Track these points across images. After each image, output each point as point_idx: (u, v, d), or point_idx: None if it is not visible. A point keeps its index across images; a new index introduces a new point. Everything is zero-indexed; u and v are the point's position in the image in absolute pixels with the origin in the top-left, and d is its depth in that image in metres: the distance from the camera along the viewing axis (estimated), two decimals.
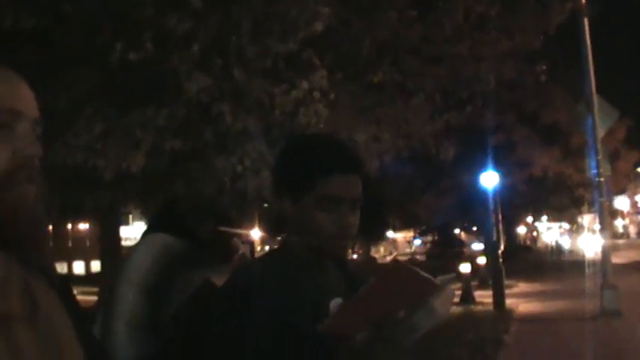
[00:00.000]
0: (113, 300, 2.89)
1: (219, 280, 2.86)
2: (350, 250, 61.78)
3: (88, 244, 57.16)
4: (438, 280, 2.05)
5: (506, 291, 22.80)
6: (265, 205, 17.81)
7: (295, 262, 2.29)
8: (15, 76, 1.44)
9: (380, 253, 72.75)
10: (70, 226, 58.39)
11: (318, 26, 8.95)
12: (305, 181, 2.23)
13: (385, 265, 2.05)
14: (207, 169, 3.23)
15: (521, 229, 56.18)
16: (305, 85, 9.29)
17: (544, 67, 14.31)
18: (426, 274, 2.02)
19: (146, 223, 3.30)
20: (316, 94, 9.37)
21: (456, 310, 20.21)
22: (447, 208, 31.39)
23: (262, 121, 9.78)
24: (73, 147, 9.72)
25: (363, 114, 10.90)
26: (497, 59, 12.27)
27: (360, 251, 53.94)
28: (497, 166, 23.39)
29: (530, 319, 19.07)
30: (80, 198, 13.38)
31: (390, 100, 11.27)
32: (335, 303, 2.26)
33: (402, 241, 76.15)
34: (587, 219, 49.45)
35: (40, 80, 9.76)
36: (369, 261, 46.95)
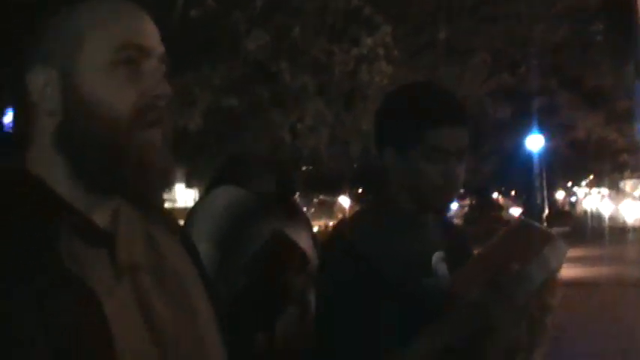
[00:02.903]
0: None
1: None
2: None
3: None
4: (554, 231, 2.04)
5: None
6: (304, 168, 17.80)
7: (398, 215, 2.26)
8: (139, 9, 1.30)
9: None
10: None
11: None
12: (413, 132, 2.18)
13: (514, 224, 2.02)
14: (264, 125, 3.18)
15: (559, 195, 55.68)
16: (369, 41, 9.16)
17: (601, 27, 14.04)
18: (543, 227, 1.98)
19: (209, 179, 3.26)
20: (380, 51, 9.24)
21: None
22: (487, 172, 31.12)
23: (321, 80, 9.68)
24: None
25: (420, 72, 10.75)
26: (553, 19, 12.04)
27: None
28: (541, 130, 23.15)
29: (574, 284, 18.88)
30: None
31: (446, 60, 11.12)
32: (437, 256, 2.24)
33: None
34: (628, 185, 48.75)
35: None
36: None
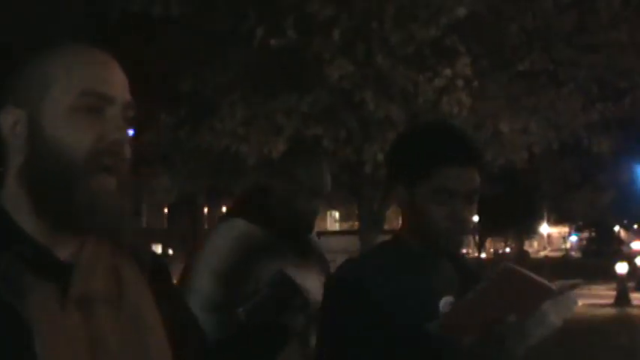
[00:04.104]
0: (189, 281, 2.94)
1: (292, 274, 2.82)
2: (503, 244, 60.87)
3: None
4: (557, 285, 1.92)
5: None
6: None
7: (407, 256, 2.21)
8: (109, 59, 1.43)
9: (533, 247, 71.29)
10: (224, 209, 61.01)
11: (461, 12, 8.80)
12: (420, 170, 2.15)
13: (498, 268, 1.93)
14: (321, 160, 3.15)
15: None
16: (448, 72, 9.12)
17: None
18: (541, 280, 1.89)
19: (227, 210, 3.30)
20: (459, 83, 9.19)
21: (609, 311, 19.45)
22: (605, 204, 30.24)
23: (405, 109, 9.67)
24: (218, 132, 9.96)
25: (510, 103, 10.56)
26: None
27: (513, 245, 52.95)
28: None
29: None
30: (225, 182, 13.83)
31: (540, 90, 10.85)
32: (445, 302, 2.18)
33: (557, 237, 74.42)
34: None
35: (190, 65, 10.10)
36: (520, 255, 45.94)
